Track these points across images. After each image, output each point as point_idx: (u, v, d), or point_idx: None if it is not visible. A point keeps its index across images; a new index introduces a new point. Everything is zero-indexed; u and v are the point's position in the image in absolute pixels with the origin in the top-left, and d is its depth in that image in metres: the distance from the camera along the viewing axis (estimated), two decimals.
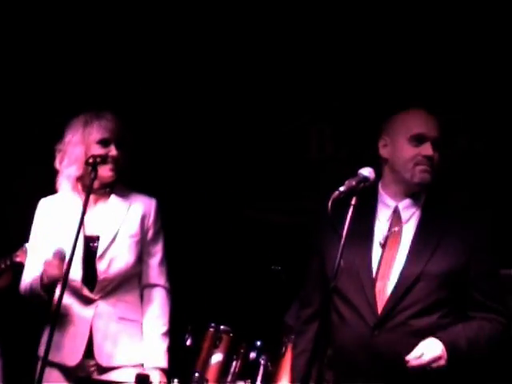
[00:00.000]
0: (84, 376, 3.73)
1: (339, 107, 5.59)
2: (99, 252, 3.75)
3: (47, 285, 3.57)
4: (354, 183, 3.03)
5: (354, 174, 3.12)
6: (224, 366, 4.50)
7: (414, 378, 3.01)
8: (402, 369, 3.01)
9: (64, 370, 3.73)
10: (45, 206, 3.87)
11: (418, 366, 2.96)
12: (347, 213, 2.99)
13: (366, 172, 3.09)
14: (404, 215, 3.20)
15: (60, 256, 3.53)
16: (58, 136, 3.83)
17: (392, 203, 3.22)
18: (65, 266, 3.51)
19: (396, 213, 3.21)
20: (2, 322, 4.76)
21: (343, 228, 2.96)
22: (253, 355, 4.49)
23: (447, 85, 5.40)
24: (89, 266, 3.75)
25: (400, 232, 3.18)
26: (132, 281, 3.83)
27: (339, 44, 5.57)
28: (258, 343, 4.55)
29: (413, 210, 3.20)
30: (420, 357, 2.97)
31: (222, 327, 4.50)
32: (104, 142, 3.74)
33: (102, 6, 5.49)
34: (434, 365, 2.96)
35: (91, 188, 3.61)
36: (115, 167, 3.76)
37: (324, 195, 3.01)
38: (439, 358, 2.98)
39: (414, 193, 3.22)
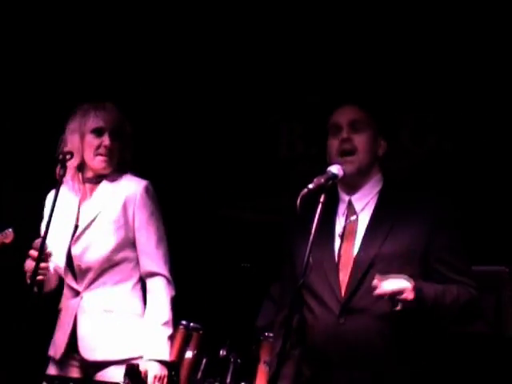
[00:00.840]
0: (75, 376, 3.63)
1: (309, 105, 5.63)
2: (73, 238, 3.64)
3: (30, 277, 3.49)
4: (322, 180, 3.01)
5: (323, 171, 3.10)
6: (194, 363, 4.45)
7: (385, 363, 3.02)
8: (370, 354, 3.03)
9: (57, 363, 3.66)
10: (49, 198, 3.77)
11: (386, 292, 2.90)
12: (316, 210, 2.96)
13: (335, 169, 3.08)
14: (357, 206, 3.19)
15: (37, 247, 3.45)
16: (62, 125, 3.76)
17: (346, 197, 3.22)
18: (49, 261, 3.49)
19: (350, 205, 3.20)
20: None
21: (312, 225, 2.94)
22: (222, 352, 4.44)
23: (417, 85, 5.47)
24: (70, 255, 3.67)
25: (356, 222, 3.17)
26: (119, 269, 3.65)
27: (310, 43, 5.60)
28: (228, 341, 4.54)
29: (367, 199, 3.19)
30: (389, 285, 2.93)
31: (191, 324, 4.46)
32: (98, 132, 3.63)
33: (107, 5, 5.51)
34: (403, 296, 2.90)
35: (60, 183, 3.44)
36: (108, 158, 3.63)
37: (295, 193, 2.98)
38: (409, 290, 2.92)
39: (366, 184, 3.22)
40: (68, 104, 3.87)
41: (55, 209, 3.41)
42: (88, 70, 5.55)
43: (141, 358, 3.57)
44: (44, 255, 3.45)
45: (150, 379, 3.54)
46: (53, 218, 3.43)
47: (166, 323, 3.60)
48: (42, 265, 3.43)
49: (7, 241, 4.20)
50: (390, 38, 5.43)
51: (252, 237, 5.47)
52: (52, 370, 3.67)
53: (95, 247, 3.61)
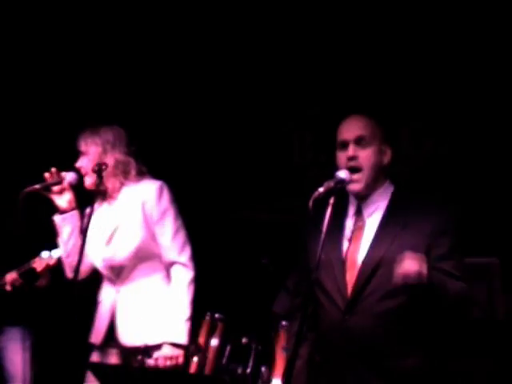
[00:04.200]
0: (114, 362, 3.73)
1: (319, 116, 5.67)
2: (105, 241, 3.78)
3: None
4: (331, 184, 3.06)
5: (332, 176, 3.14)
6: (219, 350, 4.57)
7: (386, 358, 3.04)
8: (372, 349, 3.05)
9: (98, 349, 3.78)
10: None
11: (409, 269, 2.87)
12: (326, 211, 3.01)
13: (343, 174, 3.12)
14: (366, 211, 3.19)
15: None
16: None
17: (355, 201, 3.23)
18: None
19: (359, 210, 3.21)
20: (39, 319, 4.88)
21: (323, 224, 2.98)
22: (245, 340, 4.56)
23: (415, 94, 5.48)
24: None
25: (363, 226, 3.18)
26: (149, 264, 3.77)
27: (318, 58, 5.65)
28: (250, 330, 4.60)
29: (375, 205, 3.19)
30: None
31: (217, 315, 4.57)
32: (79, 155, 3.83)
33: (114, 15, 5.57)
34: (422, 270, 2.88)
35: (96, 193, 3.66)
36: (84, 175, 3.80)
37: (306, 196, 3.03)
38: (425, 268, 2.90)
39: (375, 191, 3.20)
40: (86, 117, 4.03)
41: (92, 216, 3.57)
42: (104, 77, 5.63)
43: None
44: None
45: (160, 359, 3.61)
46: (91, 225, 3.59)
47: (184, 306, 3.68)
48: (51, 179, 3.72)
49: (51, 263, 4.26)
50: (391, 52, 5.45)
51: (268, 235, 5.50)
52: (94, 357, 3.79)
53: (123, 247, 3.74)
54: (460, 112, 5.40)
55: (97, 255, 3.82)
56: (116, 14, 5.60)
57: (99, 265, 3.83)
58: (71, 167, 3.85)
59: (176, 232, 3.76)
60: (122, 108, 5.42)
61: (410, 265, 2.89)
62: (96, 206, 3.81)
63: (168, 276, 3.78)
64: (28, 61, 5.55)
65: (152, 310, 3.74)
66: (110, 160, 3.77)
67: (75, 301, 3.57)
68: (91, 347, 3.83)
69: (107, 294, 3.83)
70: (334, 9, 5.51)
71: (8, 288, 4.50)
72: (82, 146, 3.81)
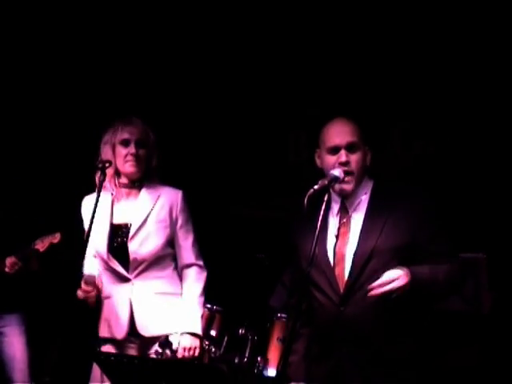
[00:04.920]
0: (132, 354, 3.81)
1: (314, 116, 5.64)
2: (130, 234, 3.82)
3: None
4: (326, 182, 3.11)
5: (326, 174, 3.20)
6: (217, 341, 4.60)
7: (380, 342, 3.11)
8: (367, 336, 3.12)
9: (115, 343, 3.84)
10: (85, 203, 3.99)
11: (379, 284, 2.96)
12: (319, 208, 3.07)
13: (337, 172, 3.17)
14: (350, 206, 3.24)
15: (89, 281, 3.69)
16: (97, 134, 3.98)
17: (338, 198, 3.28)
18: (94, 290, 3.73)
19: (343, 205, 3.26)
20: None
21: (316, 221, 3.04)
22: (241, 331, 4.59)
23: (404, 96, 5.54)
24: (121, 250, 3.84)
25: (348, 221, 3.22)
26: (164, 262, 3.89)
27: (314, 59, 5.69)
28: (246, 321, 4.61)
29: (358, 199, 3.23)
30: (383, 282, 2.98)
31: (215, 307, 4.57)
32: (125, 142, 3.84)
33: (123, 19, 5.61)
34: (396, 283, 2.96)
35: (101, 187, 3.67)
36: (136, 163, 3.83)
37: (301, 193, 3.07)
38: (402, 276, 2.96)
39: (357, 187, 3.25)
40: (101, 117, 4.09)
41: (96, 210, 3.61)
42: (110, 80, 5.68)
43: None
44: (92, 285, 3.70)
45: (180, 350, 3.73)
46: (95, 219, 3.61)
47: (199, 304, 3.86)
48: (91, 294, 3.70)
49: (55, 241, 4.43)
50: (382, 55, 5.50)
51: (264, 231, 5.55)
52: (110, 350, 3.84)
53: (149, 242, 3.84)
54: (448, 113, 5.45)
55: (102, 245, 3.83)
56: (117, 17, 5.65)
57: (104, 255, 3.83)
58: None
59: (195, 238, 3.96)
60: (119, 104, 5.45)
61: (380, 280, 2.98)
62: (105, 201, 3.86)
63: (175, 272, 3.93)
64: (34, 62, 5.61)
65: (167, 303, 3.85)
66: (154, 155, 3.91)
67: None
68: (100, 341, 3.89)
69: (118, 290, 3.86)
70: (328, 11, 5.55)
71: (7, 270, 4.60)
72: (142, 135, 3.86)
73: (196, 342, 3.81)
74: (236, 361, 4.52)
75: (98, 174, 3.75)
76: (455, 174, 5.37)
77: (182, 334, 3.77)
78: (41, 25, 5.54)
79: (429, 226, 3.16)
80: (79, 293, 3.70)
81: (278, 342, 4.39)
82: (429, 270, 3.07)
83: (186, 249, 3.92)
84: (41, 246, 4.45)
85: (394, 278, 2.99)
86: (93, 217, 3.58)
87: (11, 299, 4.83)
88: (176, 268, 3.96)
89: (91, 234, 3.67)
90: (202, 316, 3.98)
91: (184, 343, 3.77)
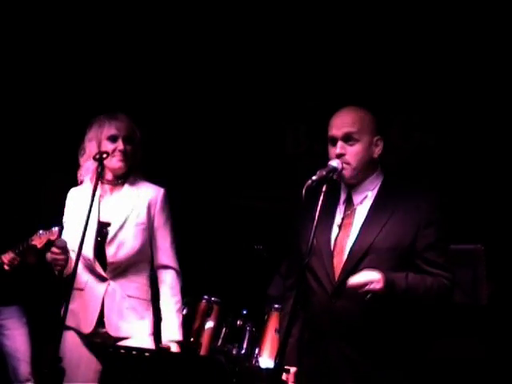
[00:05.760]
0: (99, 341, 3.74)
1: (312, 107, 5.70)
2: (109, 238, 3.75)
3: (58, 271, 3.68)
4: (324, 173, 3.07)
5: (325, 165, 3.15)
6: (215, 332, 4.64)
7: (368, 337, 3.08)
8: (357, 331, 3.10)
9: (79, 334, 3.80)
10: (71, 194, 3.93)
11: (356, 283, 2.97)
12: (319, 198, 3.03)
13: (335, 163, 3.13)
14: (356, 199, 3.21)
15: (60, 245, 3.61)
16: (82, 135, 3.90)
17: (346, 189, 3.24)
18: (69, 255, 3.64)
19: (349, 197, 3.22)
20: (29, 295, 4.92)
21: (315, 211, 3.00)
22: (240, 322, 4.63)
23: (404, 89, 5.54)
24: (101, 249, 3.77)
25: (353, 214, 3.19)
26: (141, 264, 3.82)
27: (312, 51, 5.68)
28: (244, 312, 4.68)
29: (365, 193, 3.19)
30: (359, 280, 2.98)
31: (213, 298, 4.64)
32: (112, 138, 3.77)
33: (120, 16, 5.59)
34: (371, 286, 2.95)
35: (98, 179, 3.63)
36: (123, 159, 3.76)
37: (300, 184, 3.03)
38: (377, 281, 2.96)
39: (365, 180, 3.20)
40: (86, 114, 3.98)
41: (78, 205, 3.63)
42: (100, 77, 5.67)
43: (152, 334, 3.76)
44: (62, 249, 3.59)
45: None
46: (75, 213, 3.63)
47: (179, 310, 3.78)
48: (59, 257, 3.60)
49: (53, 238, 4.35)
50: (383, 47, 5.50)
51: (263, 222, 5.55)
52: (75, 338, 3.77)
53: (126, 247, 3.75)
54: (447, 104, 5.46)
55: (88, 242, 3.71)
56: (115, 17, 5.65)
57: (89, 253, 3.76)
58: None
59: (173, 239, 3.85)
60: (114, 99, 5.42)
61: (356, 278, 2.98)
62: (87, 196, 3.75)
63: (148, 277, 3.86)
64: (33, 62, 5.61)
65: (138, 307, 3.79)
66: (139, 151, 3.84)
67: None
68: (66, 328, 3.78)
69: (93, 285, 3.80)
70: (326, 3, 5.53)
71: (6, 267, 4.58)
72: (129, 131, 3.80)
73: (178, 349, 3.73)
74: (234, 352, 4.55)
75: (95, 166, 3.70)
76: (454, 165, 5.38)
77: (169, 341, 3.71)
78: (33, 25, 5.54)
79: (430, 233, 3.11)
80: (48, 255, 3.64)
81: (275, 333, 4.38)
82: (407, 282, 3.04)
83: (163, 250, 3.83)
84: (38, 241, 4.39)
85: (370, 280, 2.98)
86: (89, 211, 3.53)
87: (9, 292, 4.82)
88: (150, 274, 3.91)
89: (79, 227, 3.60)
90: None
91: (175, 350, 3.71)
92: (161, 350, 3.54)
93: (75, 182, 3.92)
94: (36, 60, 5.61)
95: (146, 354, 3.24)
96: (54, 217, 4.38)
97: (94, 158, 3.67)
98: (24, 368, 4.84)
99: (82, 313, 3.79)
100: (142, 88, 5.73)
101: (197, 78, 5.86)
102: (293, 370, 3.27)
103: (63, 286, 3.61)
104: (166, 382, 3.10)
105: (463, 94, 5.38)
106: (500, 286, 4.72)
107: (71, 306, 3.64)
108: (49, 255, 3.64)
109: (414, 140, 5.64)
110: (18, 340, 4.86)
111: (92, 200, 3.54)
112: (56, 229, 4.29)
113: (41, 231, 4.39)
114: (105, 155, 3.65)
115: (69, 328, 3.75)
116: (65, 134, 5.47)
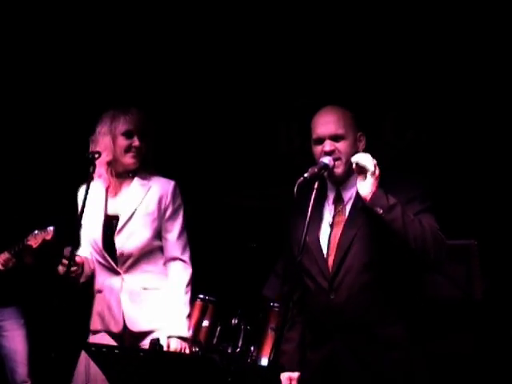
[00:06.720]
0: (93, 343, 3.66)
1: (305, 105, 5.65)
2: (118, 228, 3.73)
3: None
4: (316, 170, 3.07)
5: (317, 162, 3.14)
6: (210, 331, 4.65)
7: (370, 327, 3.08)
8: (358, 322, 3.10)
9: (110, 334, 3.73)
10: (81, 191, 3.84)
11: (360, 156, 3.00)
12: (310, 196, 3.03)
13: (326, 160, 3.12)
14: (345, 195, 3.20)
15: (67, 255, 3.52)
16: (91, 129, 3.83)
17: (334, 187, 3.24)
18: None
19: (338, 195, 3.22)
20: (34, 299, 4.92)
21: (307, 209, 3.00)
22: (234, 321, 4.62)
23: (398, 86, 5.53)
24: (111, 242, 3.74)
25: (343, 210, 3.19)
26: (153, 255, 3.77)
27: (305, 49, 5.66)
28: (239, 311, 4.69)
29: (354, 188, 3.15)
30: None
31: (208, 297, 4.66)
32: (128, 134, 3.73)
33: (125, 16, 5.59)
34: (372, 165, 2.97)
35: (92, 178, 3.59)
36: (137, 155, 3.74)
37: (293, 183, 3.03)
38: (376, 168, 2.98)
39: (352, 175, 3.16)
40: (86, 114, 4.00)
41: (87, 200, 3.50)
42: (100, 77, 5.67)
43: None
44: (74, 260, 3.51)
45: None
46: (86, 209, 3.50)
47: (185, 303, 3.70)
48: (73, 268, 3.54)
49: (48, 237, 4.35)
50: (375, 45, 5.49)
51: (257, 220, 5.54)
52: (105, 341, 3.69)
53: (136, 237, 3.71)
54: (440, 101, 5.45)
55: (95, 237, 3.75)
56: (110, 12, 5.61)
57: (98, 248, 3.76)
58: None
59: (182, 231, 3.80)
60: (112, 100, 5.42)
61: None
62: (99, 190, 3.79)
63: (164, 268, 3.80)
64: (33, 62, 5.59)
65: (156, 298, 3.74)
66: (152, 146, 3.81)
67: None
68: (90, 333, 3.80)
69: (109, 283, 3.77)
70: (319, 2, 5.51)
71: (1, 268, 4.56)
72: (144, 126, 3.75)
73: (184, 344, 3.68)
74: (229, 351, 4.56)
75: (107, 160, 3.70)
76: (447, 162, 5.38)
77: (169, 337, 3.67)
78: (34, 24, 5.51)
79: (414, 206, 3.06)
80: (59, 268, 3.58)
81: (271, 331, 4.42)
82: (402, 206, 2.99)
83: (171, 241, 3.77)
84: (34, 242, 4.38)
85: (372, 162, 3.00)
86: (83, 207, 3.50)
87: (7, 293, 4.81)
88: None
89: (87, 224, 3.62)
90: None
91: (174, 346, 3.66)
92: (155, 349, 3.44)
93: (75, 182, 3.87)
94: (36, 60, 5.60)
95: (143, 353, 3.22)
96: (50, 216, 4.39)
97: (86, 158, 3.61)
98: (22, 370, 4.83)
99: (107, 314, 3.75)
100: (139, 88, 5.69)
101: (189, 77, 5.84)
102: (296, 375, 3.27)
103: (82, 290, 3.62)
104: (159, 380, 3.07)
105: (456, 90, 5.38)
106: (494, 281, 4.71)
107: (96, 310, 3.67)
108: (60, 268, 3.57)
109: (407, 137, 5.63)
110: (16, 341, 4.85)
111: (85, 197, 3.49)
112: (51, 228, 4.30)
113: (36, 231, 4.38)
114: (96, 155, 3.60)
115: (97, 332, 3.74)
116: (65, 134, 5.55)
